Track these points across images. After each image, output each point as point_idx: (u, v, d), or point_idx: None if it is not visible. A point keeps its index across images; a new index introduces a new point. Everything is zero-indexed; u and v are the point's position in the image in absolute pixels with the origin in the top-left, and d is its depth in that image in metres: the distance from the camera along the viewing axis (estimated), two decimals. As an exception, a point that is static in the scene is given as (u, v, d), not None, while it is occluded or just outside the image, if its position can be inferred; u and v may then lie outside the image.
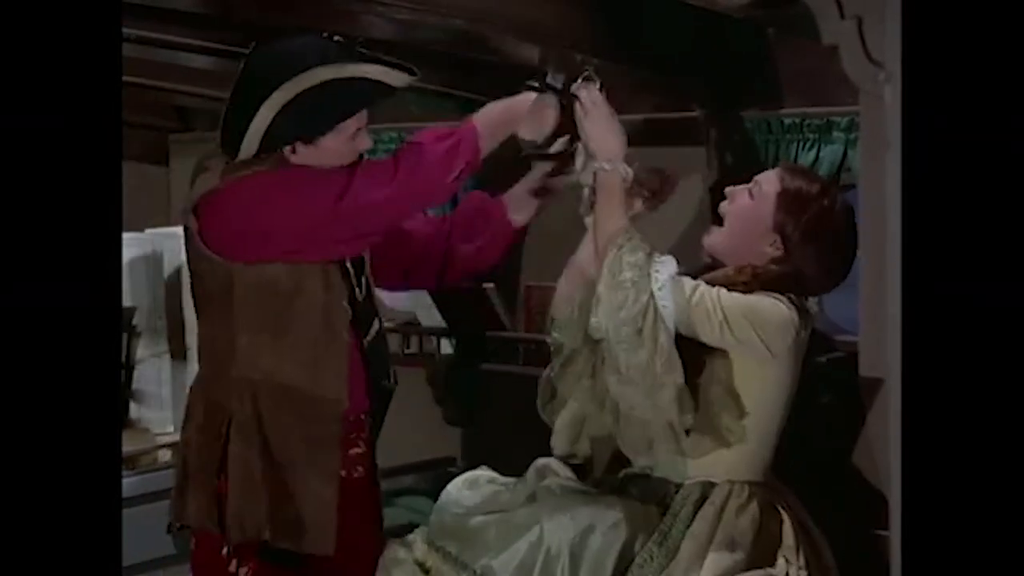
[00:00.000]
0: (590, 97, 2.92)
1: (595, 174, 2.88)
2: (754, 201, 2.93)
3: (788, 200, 2.89)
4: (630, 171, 2.88)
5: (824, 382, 3.26)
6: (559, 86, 3.10)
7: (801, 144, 3.87)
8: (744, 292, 2.79)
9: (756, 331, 2.74)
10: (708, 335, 2.75)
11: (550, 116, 3.05)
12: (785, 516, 2.84)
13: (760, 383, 2.84)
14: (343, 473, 2.97)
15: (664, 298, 2.71)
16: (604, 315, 2.73)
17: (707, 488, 2.84)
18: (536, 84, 3.10)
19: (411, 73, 2.89)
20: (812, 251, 2.89)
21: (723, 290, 2.76)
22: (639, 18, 3.57)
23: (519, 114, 3.04)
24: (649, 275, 2.71)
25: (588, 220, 2.97)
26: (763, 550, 2.77)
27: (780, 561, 2.76)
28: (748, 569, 2.72)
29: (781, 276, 2.86)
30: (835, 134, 3.79)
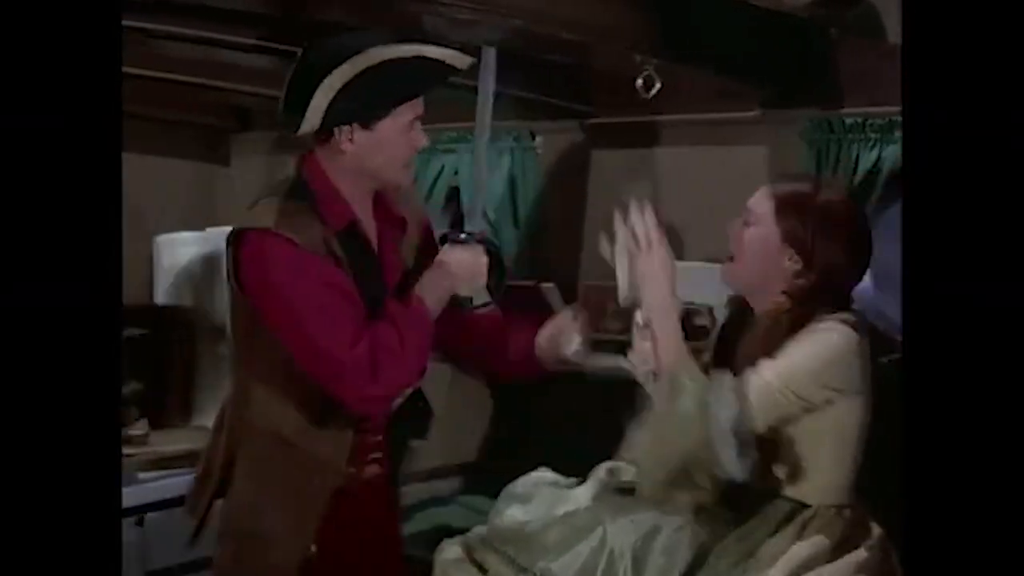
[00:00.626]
0: (646, 233, 2.82)
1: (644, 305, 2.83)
2: (754, 226, 2.88)
3: (786, 209, 2.84)
4: (681, 303, 2.83)
5: (885, 384, 3.22)
6: (476, 235, 3.12)
7: (863, 144, 3.85)
8: (792, 327, 2.75)
9: (831, 385, 2.70)
10: (794, 415, 2.71)
11: (480, 268, 3.03)
12: (871, 532, 2.80)
13: (835, 414, 2.79)
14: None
15: (726, 420, 2.65)
16: (650, 448, 2.73)
17: (796, 508, 2.79)
18: (460, 236, 3.10)
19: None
20: (829, 247, 2.83)
21: (778, 366, 2.71)
22: (699, 17, 3.55)
23: (457, 277, 3.00)
24: (707, 403, 2.67)
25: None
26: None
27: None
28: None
29: (814, 288, 2.81)
30: (897, 134, 3.76)
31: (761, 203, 2.87)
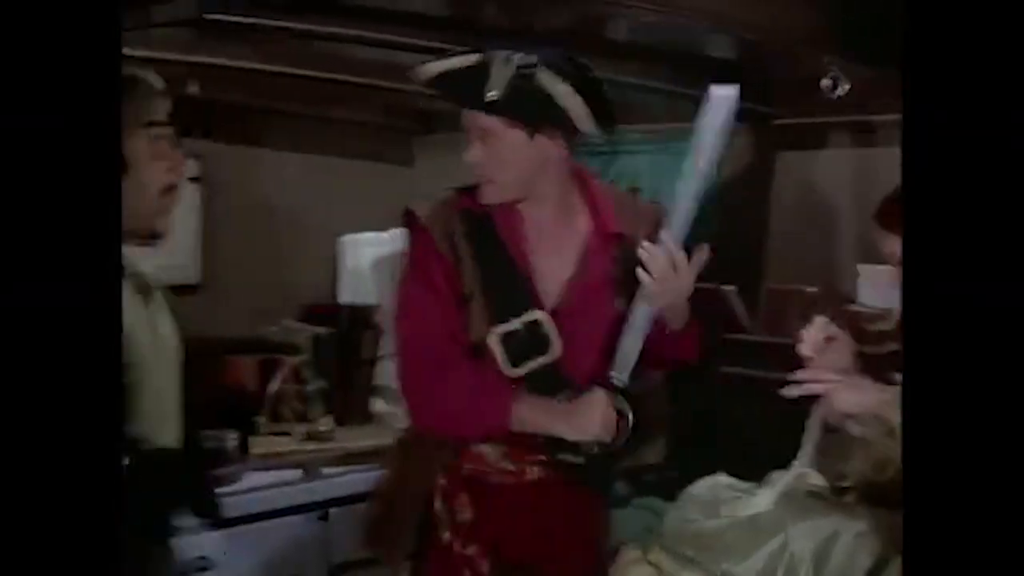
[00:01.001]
0: (820, 379, 2.74)
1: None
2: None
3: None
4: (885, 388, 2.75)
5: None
6: (623, 384, 2.90)
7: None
8: None
9: None
10: None
11: (592, 424, 2.87)
12: None
13: None
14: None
15: None
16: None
17: None
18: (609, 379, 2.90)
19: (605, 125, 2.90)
20: None
21: None
22: (883, 14, 3.49)
23: (557, 418, 2.89)
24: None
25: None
26: None
27: None
28: None
29: None
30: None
31: (883, 239, 2.77)
